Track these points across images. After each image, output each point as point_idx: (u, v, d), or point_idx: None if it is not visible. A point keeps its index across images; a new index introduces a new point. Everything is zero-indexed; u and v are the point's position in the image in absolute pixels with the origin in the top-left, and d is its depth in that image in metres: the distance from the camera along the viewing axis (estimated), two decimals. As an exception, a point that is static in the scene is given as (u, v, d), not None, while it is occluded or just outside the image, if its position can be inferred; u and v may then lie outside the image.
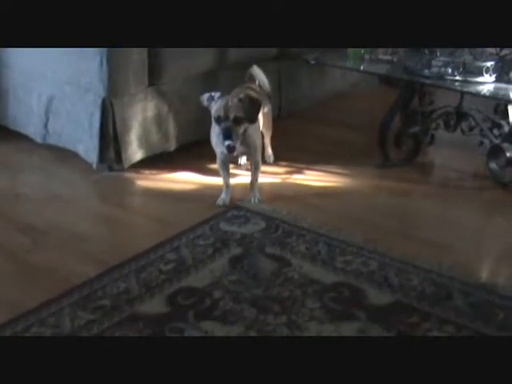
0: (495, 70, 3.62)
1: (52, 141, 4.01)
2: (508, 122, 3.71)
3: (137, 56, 3.63)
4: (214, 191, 3.53)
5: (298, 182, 3.85)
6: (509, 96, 3.58)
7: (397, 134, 3.99)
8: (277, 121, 4.29)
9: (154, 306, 2.58)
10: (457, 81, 3.66)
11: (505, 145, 3.73)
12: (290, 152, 4.19)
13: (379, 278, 2.82)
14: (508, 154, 3.72)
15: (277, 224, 3.23)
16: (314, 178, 3.90)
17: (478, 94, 3.61)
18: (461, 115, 3.93)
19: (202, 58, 3.97)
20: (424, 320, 2.54)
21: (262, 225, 3.22)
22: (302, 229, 3.20)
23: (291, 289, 2.70)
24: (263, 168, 3.64)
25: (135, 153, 3.81)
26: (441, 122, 4.02)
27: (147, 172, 3.86)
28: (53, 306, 2.56)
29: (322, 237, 3.12)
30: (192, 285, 2.72)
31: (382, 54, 4.07)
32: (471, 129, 3.93)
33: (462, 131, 3.97)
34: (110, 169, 3.82)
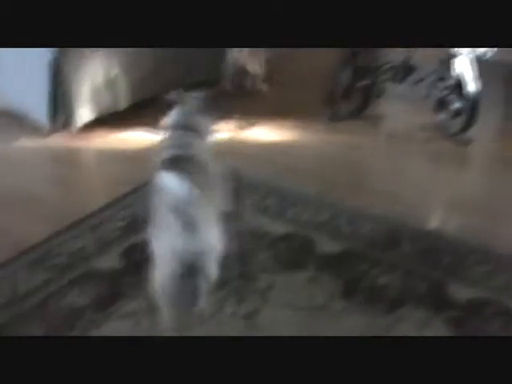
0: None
1: (1, 102, 3.96)
2: (454, 75, 3.77)
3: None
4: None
5: (249, 137, 3.90)
6: (453, 49, 3.65)
7: (346, 88, 4.03)
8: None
9: (109, 261, 2.62)
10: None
11: (451, 97, 3.81)
12: (239, 107, 4.21)
13: (330, 227, 2.89)
14: (454, 106, 3.80)
15: (227, 178, 3.24)
16: (264, 134, 3.94)
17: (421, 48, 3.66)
18: (408, 68, 3.98)
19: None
20: (373, 266, 2.62)
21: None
22: (253, 182, 3.24)
23: (243, 241, 2.75)
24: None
25: (86, 113, 3.79)
26: (389, 75, 4.06)
27: (99, 132, 3.83)
28: (8, 267, 2.58)
29: (273, 190, 3.18)
30: (145, 240, 2.74)
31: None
32: (418, 81, 3.98)
33: (409, 84, 4.01)
34: (62, 129, 3.80)
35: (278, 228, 2.87)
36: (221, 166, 2.48)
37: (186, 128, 2.47)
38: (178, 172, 2.09)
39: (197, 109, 2.56)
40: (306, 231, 2.85)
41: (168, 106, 2.57)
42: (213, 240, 2.19)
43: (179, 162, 2.22)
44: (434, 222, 3.11)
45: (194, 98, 2.59)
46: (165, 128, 2.53)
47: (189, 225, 2.08)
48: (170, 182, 2.06)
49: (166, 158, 2.26)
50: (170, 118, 2.54)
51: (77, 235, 2.79)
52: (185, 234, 2.09)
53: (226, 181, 2.50)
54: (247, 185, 3.20)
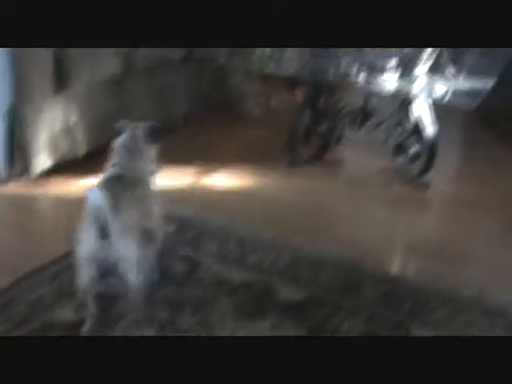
0: (399, 67, 3.70)
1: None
2: (412, 119, 3.82)
3: (43, 62, 3.59)
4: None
5: (208, 182, 3.89)
6: (411, 94, 3.70)
7: (305, 133, 4.05)
8: (188, 123, 4.33)
9: (68, 313, 2.55)
10: (361, 80, 3.74)
11: (409, 141, 3.86)
12: (200, 152, 4.22)
13: (291, 273, 2.87)
14: (413, 150, 3.85)
15: (188, 224, 3.24)
16: (224, 178, 3.94)
17: (380, 93, 3.72)
18: (366, 113, 4.02)
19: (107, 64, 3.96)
20: (335, 312, 2.60)
21: (172, 226, 3.21)
22: (213, 229, 3.23)
23: (203, 289, 2.72)
24: (173, 168, 3.64)
25: (44, 160, 3.75)
26: (348, 120, 4.08)
27: (57, 179, 3.79)
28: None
29: (233, 236, 3.16)
30: (104, 290, 2.70)
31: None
32: (377, 126, 4.02)
33: (368, 129, 4.05)
34: (19, 177, 3.75)
35: (238, 275, 2.85)
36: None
37: (129, 151, 2.67)
38: (107, 188, 2.35)
39: (142, 135, 2.72)
40: (267, 277, 2.83)
41: (117, 134, 2.74)
42: (127, 250, 2.36)
43: (113, 180, 2.49)
44: (394, 266, 3.12)
45: (140, 126, 2.75)
46: (112, 151, 2.70)
47: (103, 234, 2.30)
48: (94, 195, 2.30)
49: (105, 177, 2.53)
50: (117, 143, 2.72)
51: (35, 284, 2.74)
52: (99, 242, 2.32)
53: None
54: (206, 231, 3.19)
